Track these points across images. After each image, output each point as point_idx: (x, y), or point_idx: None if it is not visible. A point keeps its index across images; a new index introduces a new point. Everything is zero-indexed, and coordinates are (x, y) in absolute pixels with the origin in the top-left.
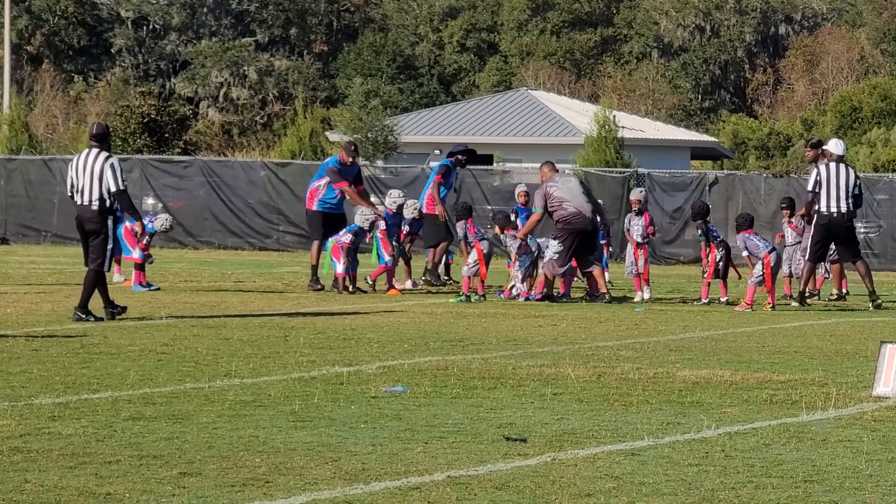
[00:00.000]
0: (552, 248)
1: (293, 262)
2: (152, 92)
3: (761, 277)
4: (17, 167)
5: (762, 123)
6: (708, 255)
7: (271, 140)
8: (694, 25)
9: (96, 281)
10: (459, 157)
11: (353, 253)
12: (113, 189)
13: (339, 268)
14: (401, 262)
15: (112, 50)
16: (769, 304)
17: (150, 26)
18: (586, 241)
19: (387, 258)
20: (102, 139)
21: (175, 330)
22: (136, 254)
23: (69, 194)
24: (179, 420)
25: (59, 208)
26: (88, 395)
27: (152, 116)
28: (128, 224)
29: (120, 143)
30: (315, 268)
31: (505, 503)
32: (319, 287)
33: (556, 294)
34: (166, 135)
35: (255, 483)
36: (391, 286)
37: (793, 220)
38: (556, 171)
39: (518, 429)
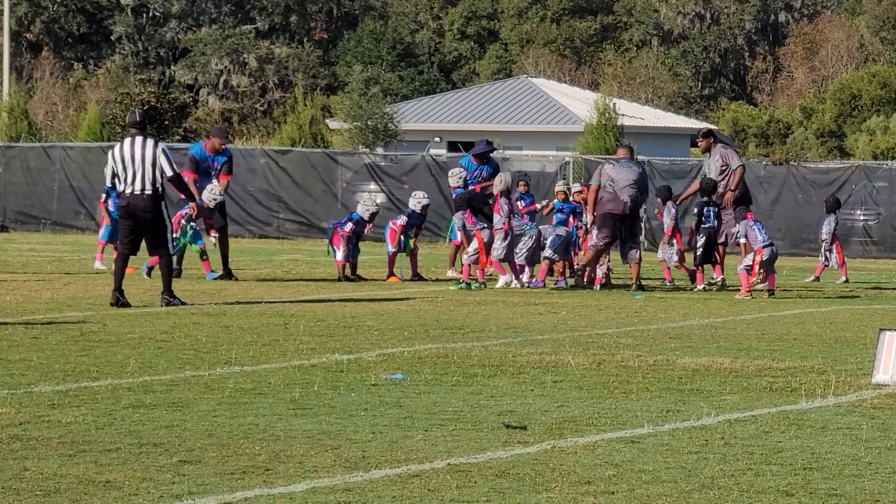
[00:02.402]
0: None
1: (293, 249)
2: (152, 79)
3: (750, 266)
4: (16, 154)
5: (762, 111)
6: (693, 237)
7: (271, 128)
8: (694, 13)
9: (170, 265)
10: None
11: (353, 241)
12: (169, 174)
13: (339, 255)
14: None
15: (112, 37)
16: (769, 290)
17: (150, 14)
18: (626, 228)
19: (390, 249)
20: (143, 126)
21: (174, 318)
22: None
23: (109, 184)
24: (179, 408)
25: (59, 196)
26: (88, 383)
27: (152, 104)
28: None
29: (119, 130)
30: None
31: (505, 490)
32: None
33: (556, 282)
34: (166, 122)
35: (255, 471)
36: (391, 274)
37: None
38: (631, 157)
39: (518, 416)
